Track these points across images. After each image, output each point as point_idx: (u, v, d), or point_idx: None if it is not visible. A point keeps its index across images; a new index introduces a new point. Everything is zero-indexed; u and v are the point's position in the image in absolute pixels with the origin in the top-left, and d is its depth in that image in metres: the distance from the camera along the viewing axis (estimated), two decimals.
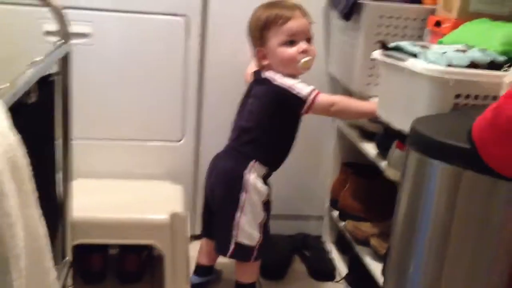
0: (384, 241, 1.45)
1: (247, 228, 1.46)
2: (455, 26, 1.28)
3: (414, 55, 1.10)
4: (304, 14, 1.46)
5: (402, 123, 1.12)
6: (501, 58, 1.09)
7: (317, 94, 1.42)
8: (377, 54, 1.24)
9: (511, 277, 0.89)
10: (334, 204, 1.79)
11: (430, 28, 1.39)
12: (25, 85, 0.91)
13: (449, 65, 1.05)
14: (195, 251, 1.68)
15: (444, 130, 0.94)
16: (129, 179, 1.75)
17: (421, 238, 0.95)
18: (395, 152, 1.28)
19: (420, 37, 1.44)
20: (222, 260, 1.65)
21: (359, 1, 1.46)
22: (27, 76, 0.92)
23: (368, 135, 1.56)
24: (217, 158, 1.54)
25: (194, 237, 1.81)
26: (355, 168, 1.74)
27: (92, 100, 1.70)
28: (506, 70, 1.06)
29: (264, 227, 1.50)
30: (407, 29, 1.45)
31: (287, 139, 1.51)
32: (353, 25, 1.51)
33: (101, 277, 1.64)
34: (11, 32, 1.60)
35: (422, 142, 0.92)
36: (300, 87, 1.43)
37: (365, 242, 1.54)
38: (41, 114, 1.10)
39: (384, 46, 1.20)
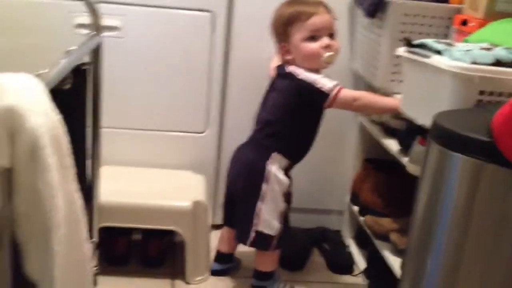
0: (404, 236, 1.46)
1: (267, 217, 1.50)
2: (481, 25, 1.29)
3: (438, 52, 1.12)
4: (328, 10, 1.48)
5: (425, 119, 1.13)
6: None
7: (340, 89, 1.45)
8: (402, 50, 1.26)
9: None
10: (354, 199, 1.81)
11: (456, 26, 1.40)
12: (62, 71, 0.96)
13: (474, 63, 1.06)
14: (215, 240, 1.73)
15: (466, 124, 0.95)
16: (154, 168, 1.80)
17: (440, 230, 0.96)
18: (417, 147, 1.30)
19: (445, 36, 1.45)
20: (241, 249, 1.69)
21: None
22: (64, 64, 0.97)
23: (390, 131, 1.58)
24: (240, 149, 1.58)
25: (214, 227, 1.85)
26: (376, 164, 1.76)
27: (120, 91, 1.75)
28: None
29: (284, 218, 1.54)
30: (432, 27, 1.47)
31: (309, 133, 1.54)
32: (378, 22, 1.53)
33: (124, 261, 1.69)
34: (45, 24, 1.66)
35: (444, 135, 0.93)
36: (323, 81, 1.45)
37: (384, 237, 1.55)
38: (75, 101, 1.15)
39: (408, 43, 1.22)
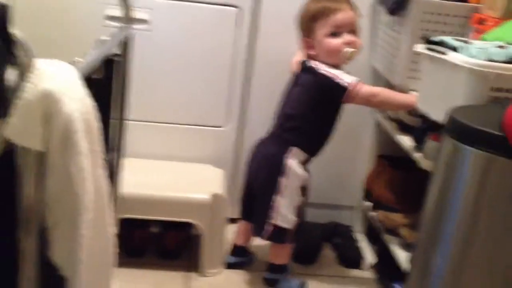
0: (414, 231, 1.49)
1: (284, 211, 1.53)
2: (498, 24, 1.31)
3: (455, 49, 1.14)
4: (352, 7, 1.51)
5: (440, 115, 1.15)
6: None
7: (359, 85, 1.48)
8: (421, 47, 1.28)
9: None
10: (368, 195, 1.83)
11: (474, 25, 1.42)
12: (95, 61, 0.99)
13: (489, 60, 1.09)
14: (231, 233, 1.75)
15: (479, 118, 0.98)
16: (173, 161, 1.83)
17: (449, 223, 0.98)
18: (430, 143, 1.32)
19: (463, 34, 1.46)
20: (255, 243, 1.72)
21: None
22: (97, 53, 1.00)
23: (405, 128, 1.60)
24: (260, 143, 1.61)
25: (231, 221, 1.88)
26: (390, 160, 1.78)
27: (143, 84, 1.77)
28: None
29: (300, 212, 1.56)
30: (451, 25, 1.48)
31: (328, 127, 1.57)
32: (399, 20, 1.55)
33: (141, 253, 1.72)
34: (77, 14, 1.71)
35: (457, 128, 0.96)
36: (343, 77, 1.48)
37: (394, 232, 1.58)
38: (104, 91, 1.18)
39: (427, 40, 1.24)
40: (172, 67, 1.81)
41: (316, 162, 1.62)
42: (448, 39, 1.19)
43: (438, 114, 1.20)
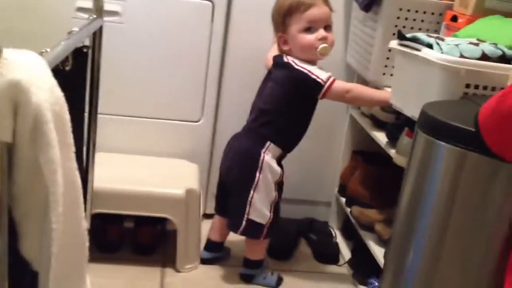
0: (389, 227, 1.50)
1: (259, 206, 1.53)
2: (470, 21, 1.33)
3: (429, 46, 1.16)
4: (326, 2, 1.52)
5: (413, 110, 1.17)
6: (511, 52, 1.15)
7: (333, 80, 1.49)
8: (394, 43, 1.29)
9: (508, 255, 0.93)
10: (342, 190, 1.85)
11: (447, 22, 1.44)
12: (64, 51, 0.97)
13: (462, 56, 1.10)
14: (206, 228, 1.75)
15: (452, 114, 0.99)
16: (148, 155, 1.82)
17: (423, 219, 0.99)
18: (404, 139, 1.34)
19: (436, 31, 1.49)
20: (231, 238, 1.71)
21: None
22: (65, 44, 0.98)
23: (379, 124, 1.62)
24: (235, 138, 1.60)
25: (205, 216, 1.88)
26: (365, 156, 1.79)
27: (117, 77, 1.75)
28: None
29: (275, 207, 1.57)
30: (424, 22, 1.50)
31: (302, 122, 1.58)
32: (372, 16, 1.56)
33: (116, 248, 1.70)
34: (47, 6, 1.67)
35: (430, 124, 0.97)
36: (318, 72, 1.49)
37: (369, 228, 1.59)
38: (75, 84, 1.16)
39: (401, 36, 1.25)
40: (147, 61, 1.79)
41: (292, 157, 1.62)
42: (421, 36, 1.20)
43: (412, 110, 1.22)
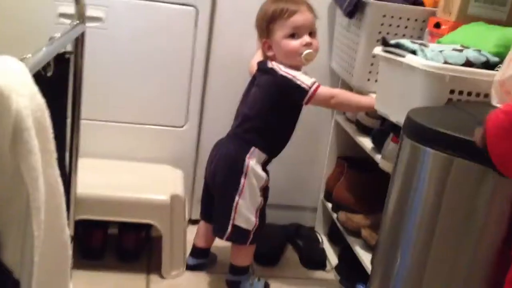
0: (375, 232, 1.50)
1: (244, 212, 1.52)
2: (454, 28, 1.34)
3: (413, 52, 1.16)
4: (310, 9, 1.52)
5: (399, 116, 1.17)
6: (495, 59, 1.16)
7: (318, 86, 1.49)
8: (378, 50, 1.30)
9: (495, 261, 0.94)
10: (328, 196, 1.85)
11: (430, 29, 1.45)
12: (45, 57, 0.96)
13: (446, 63, 1.11)
14: (192, 234, 1.73)
15: (437, 120, 1.00)
16: (132, 161, 1.80)
17: (409, 224, 0.99)
18: (390, 145, 1.34)
19: (420, 38, 1.50)
20: (217, 244, 1.70)
21: (363, 0, 1.52)
22: (47, 50, 0.97)
23: (364, 130, 1.62)
24: (219, 143, 1.59)
25: (191, 222, 1.87)
26: (350, 161, 1.79)
27: (101, 82, 1.75)
28: (498, 70, 1.13)
29: (261, 213, 1.56)
30: (408, 29, 1.51)
31: (287, 128, 1.57)
32: (356, 22, 1.57)
33: (100, 254, 1.69)
34: (29, 12, 1.66)
35: (416, 130, 0.98)
36: (302, 78, 1.49)
37: (356, 233, 1.59)
38: (57, 89, 1.15)
39: (385, 42, 1.26)
40: (130, 66, 1.78)
41: (278, 163, 1.62)
42: (405, 42, 1.21)
43: (397, 116, 1.22)
